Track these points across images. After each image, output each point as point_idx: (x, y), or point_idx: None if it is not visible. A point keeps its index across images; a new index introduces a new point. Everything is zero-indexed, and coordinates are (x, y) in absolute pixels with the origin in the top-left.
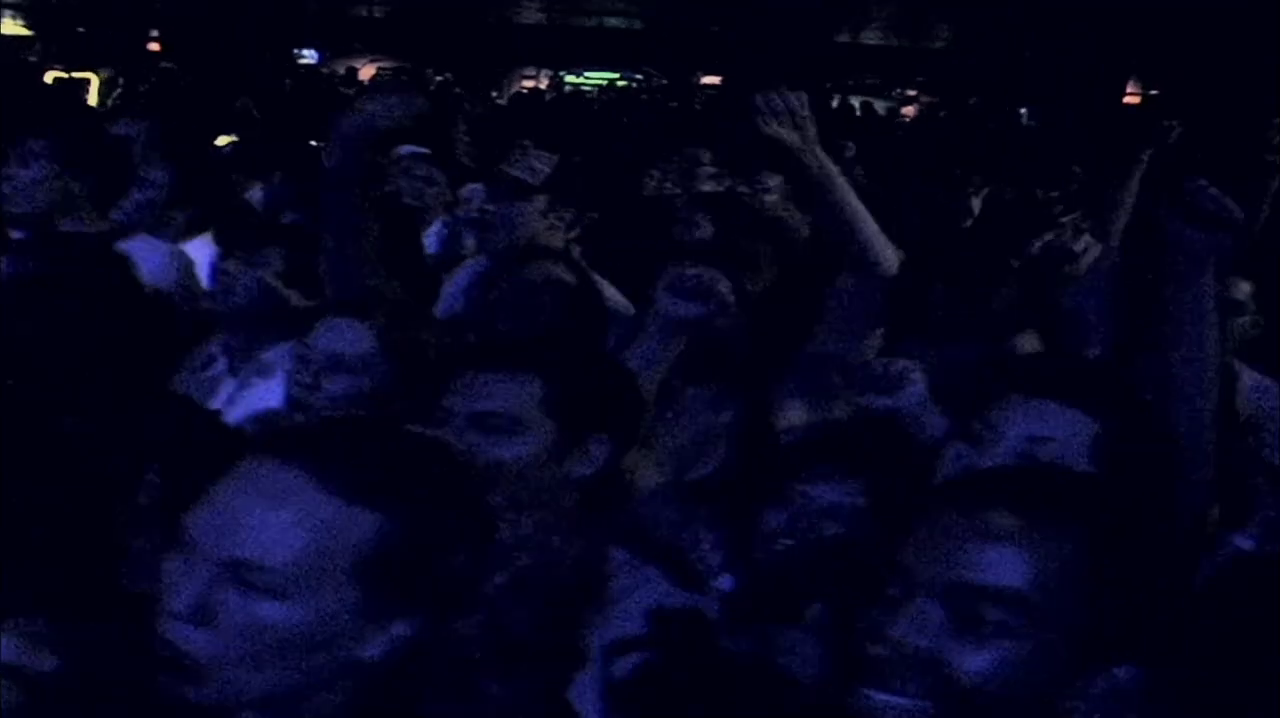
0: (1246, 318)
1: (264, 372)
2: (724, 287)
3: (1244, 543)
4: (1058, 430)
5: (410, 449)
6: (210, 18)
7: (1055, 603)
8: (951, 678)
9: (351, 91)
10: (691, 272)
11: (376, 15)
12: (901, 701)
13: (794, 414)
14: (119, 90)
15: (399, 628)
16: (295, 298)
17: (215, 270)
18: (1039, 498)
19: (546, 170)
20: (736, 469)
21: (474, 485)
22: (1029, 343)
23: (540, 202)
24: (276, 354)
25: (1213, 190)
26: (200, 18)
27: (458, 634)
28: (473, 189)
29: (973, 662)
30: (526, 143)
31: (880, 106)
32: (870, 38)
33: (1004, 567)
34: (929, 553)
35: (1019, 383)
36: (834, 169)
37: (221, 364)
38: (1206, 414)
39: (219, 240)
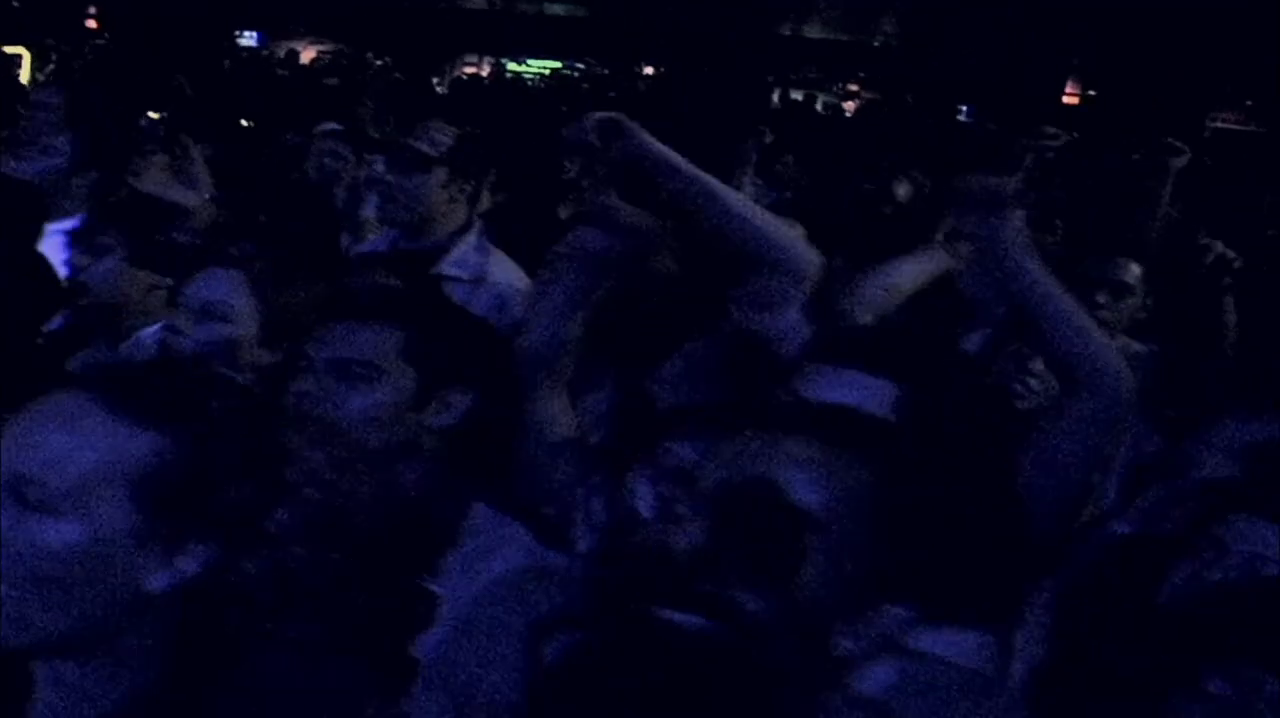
0: (1135, 299)
1: (141, 350)
2: (647, 222)
3: (1122, 528)
4: (859, 398)
5: (201, 381)
6: None
7: (842, 529)
8: (734, 604)
9: (286, 73)
10: (613, 202)
11: None
12: (689, 619)
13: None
14: (52, 66)
15: (184, 563)
16: (148, 277)
17: (67, 264)
18: (837, 432)
19: (448, 143)
20: (622, 440)
21: (265, 421)
22: (866, 313)
23: (440, 174)
24: (152, 333)
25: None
26: None
27: (246, 572)
28: (374, 159)
29: (752, 595)
30: (431, 118)
31: (822, 101)
32: (812, 31)
33: (796, 486)
34: (719, 466)
35: (839, 352)
36: (709, 183)
37: (102, 345)
38: (1059, 371)
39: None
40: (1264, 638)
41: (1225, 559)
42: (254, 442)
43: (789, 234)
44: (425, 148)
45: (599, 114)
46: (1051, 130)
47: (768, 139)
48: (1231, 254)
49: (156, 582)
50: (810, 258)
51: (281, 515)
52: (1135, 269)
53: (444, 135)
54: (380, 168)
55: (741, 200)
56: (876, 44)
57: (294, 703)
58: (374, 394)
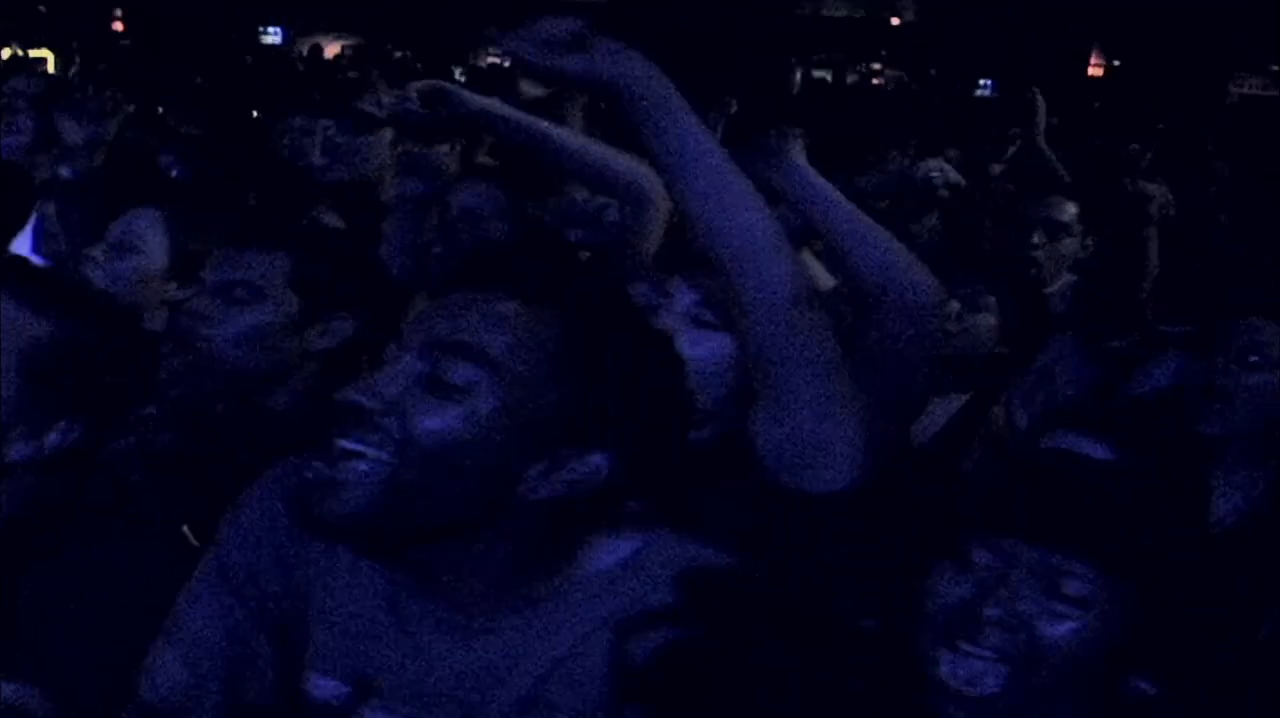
0: (1073, 239)
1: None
2: (446, 163)
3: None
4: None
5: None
6: None
7: (522, 370)
8: (411, 430)
9: (301, 69)
10: (420, 150)
11: None
12: (363, 448)
13: None
14: (75, 69)
15: (48, 439)
16: None
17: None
18: (545, 286)
19: (395, 104)
20: None
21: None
22: None
23: (387, 135)
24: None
25: None
26: None
27: (112, 451)
28: (324, 124)
29: (431, 418)
30: (378, 82)
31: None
32: (834, 10)
33: (481, 330)
34: (424, 318)
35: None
36: (538, 126)
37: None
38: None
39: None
40: (1029, 515)
41: (1036, 453)
42: (125, 340)
43: (628, 162)
44: (372, 109)
45: (420, 83)
46: None
47: (733, 109)
48: (1152, 189)
49: (18, 451)
50: (642, 177)
51: (151, 409)
52: (1071, 208)
53: (390, 98)
54: (331, 129)
55: (573, 135)
56: (896, 22)
57: (103, 579)
58: (255, 315)
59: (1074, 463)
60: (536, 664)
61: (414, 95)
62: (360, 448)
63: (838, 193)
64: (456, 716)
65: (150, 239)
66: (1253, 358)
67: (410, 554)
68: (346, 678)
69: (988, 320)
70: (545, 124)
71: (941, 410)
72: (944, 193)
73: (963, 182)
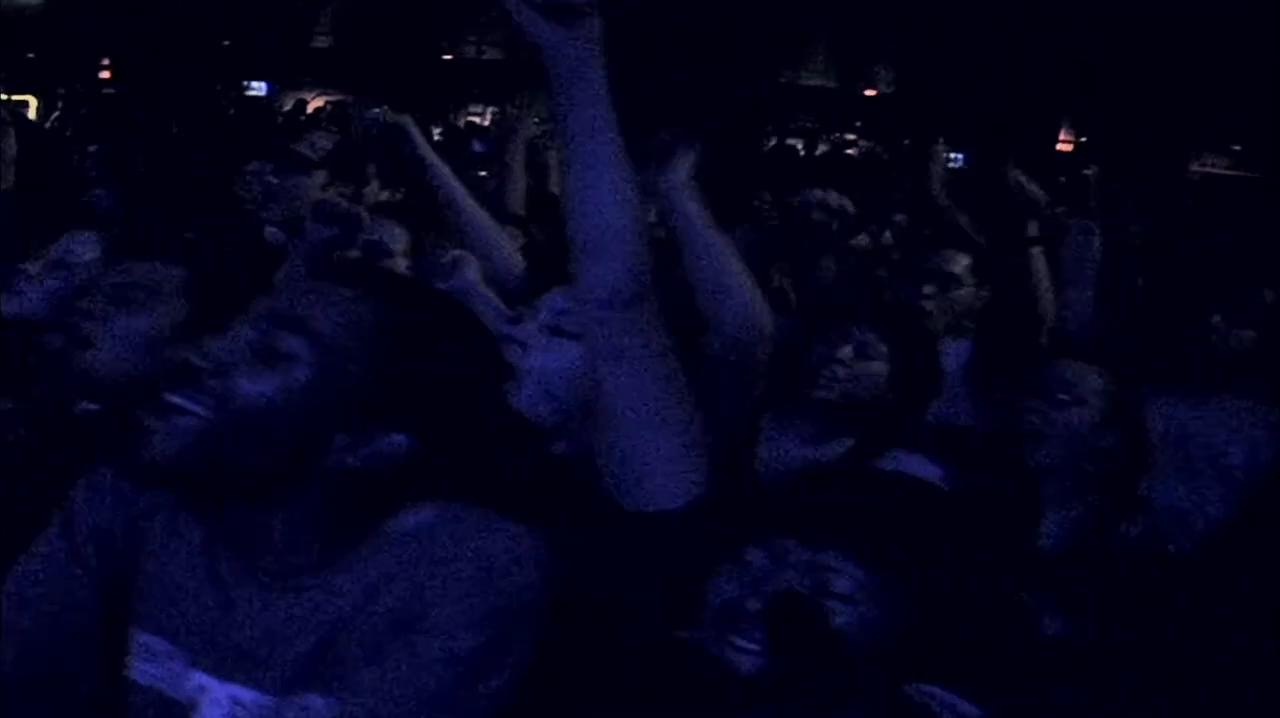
0: (966, 290)
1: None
2: (358, 211)
3: None
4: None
5: None
6: (162, 48)
7: (343, 348)
8: (232, 391)
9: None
10: (332, 199)
11: (321, 46)
12: (187, 403)
13: None
14: (57, 114)
15: None
16: None
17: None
18: (385, 283)
19: (327, 147)
20: None
21: None
22: None
23: (320, 176)
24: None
25: None
26: (152, 48)
27: None
28: (260, 165)
29: (253, 382)
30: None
31: (820, 148)
32: (808, 79)
33: (314, 307)
34: (270, 295)
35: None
36: (455, 189)
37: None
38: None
39: None
40: (803, 519)
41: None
42: None
43: (498, 239)
44: (305, 151)
45: (391, 115)
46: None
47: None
48: (1039, 193)
49: None
50: (494, 242)
51: (8, 403)
52: (963, 260)
53: (324, 141)
54: (267, 171)
55: (472, 205)
56: (870, 93)
57: None
58: (143, 319)
59: (901, 482)
60: (326, 619)
61: (383, 115)
62: (184, 403)
63: (705, 217)
64: (254, 669)
65: (84, 257)
66: (1062, 396)
67: (226, 512)
68: (164, 632)
69: (879, 368)
70: (460, 190)
71: (827, 453)
72: (819, 216)
73: (849, 208)
